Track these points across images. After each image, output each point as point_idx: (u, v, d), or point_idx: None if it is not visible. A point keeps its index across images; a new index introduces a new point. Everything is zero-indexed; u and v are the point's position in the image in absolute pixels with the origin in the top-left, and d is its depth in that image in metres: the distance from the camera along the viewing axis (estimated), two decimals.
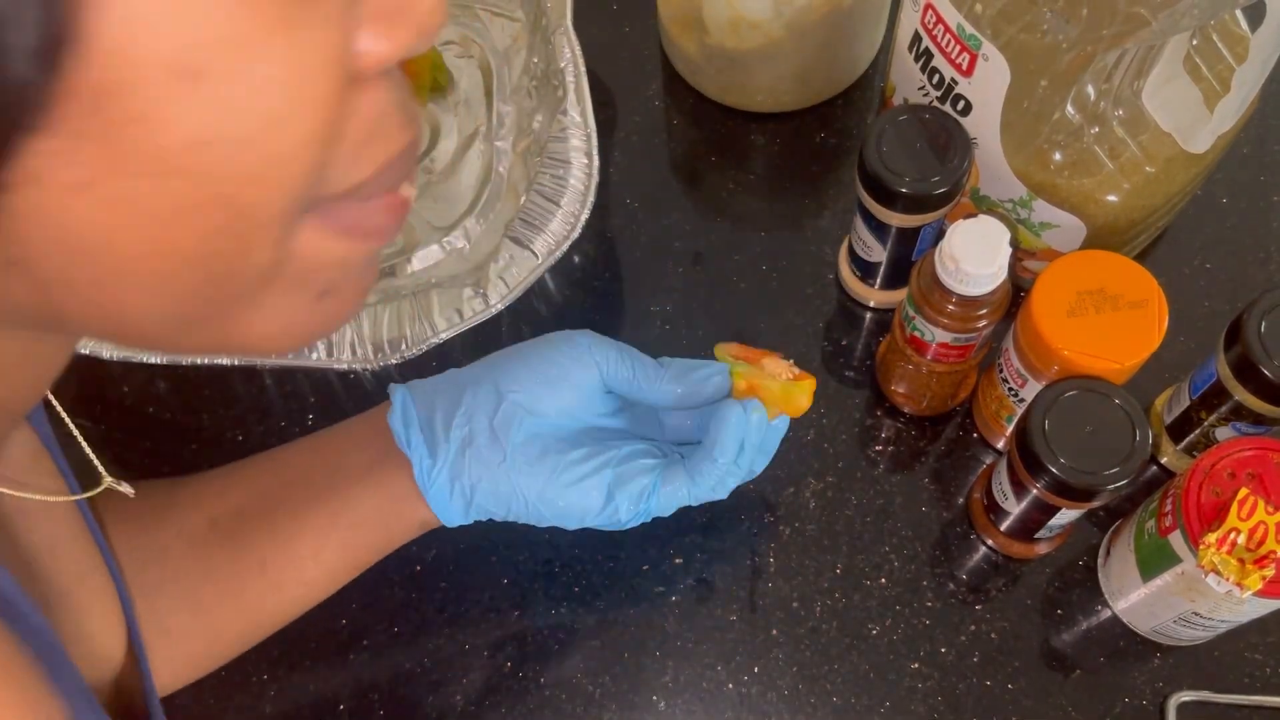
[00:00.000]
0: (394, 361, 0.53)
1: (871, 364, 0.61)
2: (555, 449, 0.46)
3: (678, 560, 0.57)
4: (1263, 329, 0.47)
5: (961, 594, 0.55)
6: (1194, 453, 0.55)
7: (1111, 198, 0.53)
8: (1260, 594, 0.44)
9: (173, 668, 0.47)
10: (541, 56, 0.62)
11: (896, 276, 0.60)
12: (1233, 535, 0.44)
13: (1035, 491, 0.48)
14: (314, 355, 0.54)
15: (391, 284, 0.60)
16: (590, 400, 0.48)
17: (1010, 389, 0.53)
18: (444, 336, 0.54)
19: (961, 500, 0.58)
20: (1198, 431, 0.54)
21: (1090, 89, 0.50)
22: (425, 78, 0.66)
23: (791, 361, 0.49)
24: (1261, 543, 0.44)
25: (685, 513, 0.57)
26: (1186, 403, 0.53)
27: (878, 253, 0.58)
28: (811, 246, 0.65)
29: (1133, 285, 0.49)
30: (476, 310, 0.54)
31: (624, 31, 0.73)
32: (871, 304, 0.63)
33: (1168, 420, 0.56)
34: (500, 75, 0.66)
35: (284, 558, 0.46)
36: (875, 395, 0.60)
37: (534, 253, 0.55)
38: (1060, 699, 0.53)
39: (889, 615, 0.55)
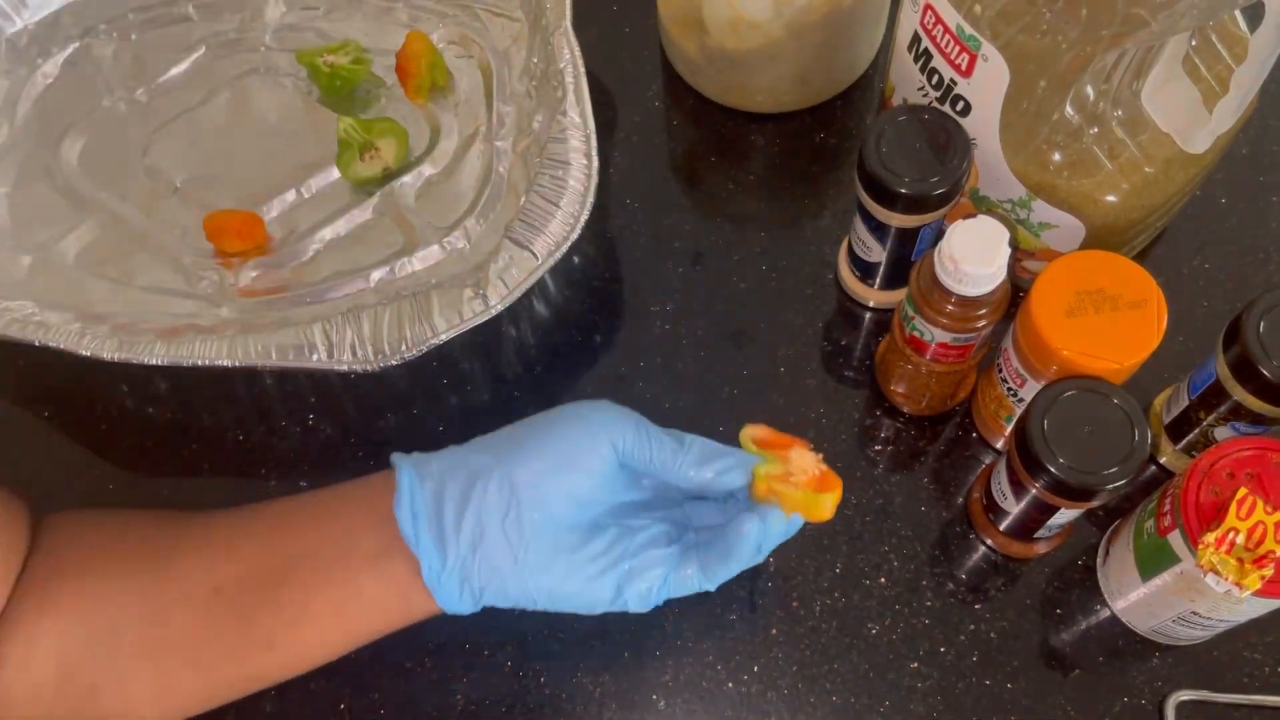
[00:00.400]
0: (394, 362, 0.53)
1: (871, 364, 0.61)
2: (568, 545, 0.46)
3: None
4: (1262, 329, 0.47)
5: (961, 594, 0.55)
6: (1193, 452, 0.55)
7: (1110, 198, 0.53)
8: (1259, 594, 0.44)
9: (163, 712, 0.47)
10: (541, 57, 0.62)
11: (896, 277, 0.60)
12: (1231, 535, 0.44)
13: (1034, 491, 0.48)
14: (315, 356, 0.54)
15: (392, 284, 0.60)
16: (607, 483, 0.47)
17: (1009, 389, 0.53)
18: (444, 338, 0.54)
19: (961, 500, 0.58)
20: (1197, 431, 0.54)
21: (1089, 89, 0.50)
22: (425, 77, 0.66)
23: (820, 456, 0.47)
24: (1260, 542, 0.44)
25: None
26: (1185, 402, 0.54)
27: (877, 253, 0.58)
28: (811, 246, 0.65)
29: (1132, 285, 0.49)
30: (476, 311, 0.54)
31: (624, 31, 0.73)
32: (871, 304, 0.63)
33: (1167, 420, 0.56)
34: (500, 75, 0.66)
35: (291, 637, 0.46)
36: (875, 395, 0.61)
37: (534, 253, 0.55)
38: (1059, 698, 0.53)
39: (888, 615, 0.55)
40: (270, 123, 0.68)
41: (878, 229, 0.56)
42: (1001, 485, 0.52)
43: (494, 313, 0.54)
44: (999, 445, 0.59)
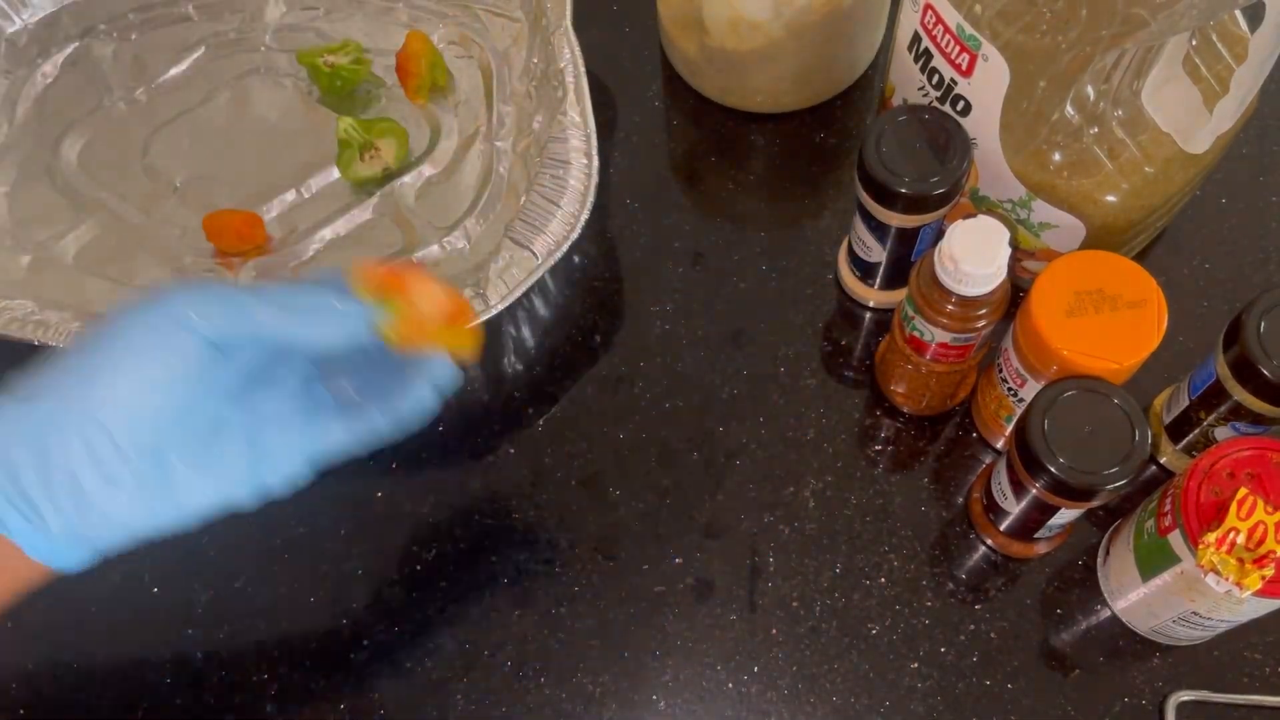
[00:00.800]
0: None
1: (871, 364, 0.61)
2: (189, 463, 0.40)
3: (678, 560, 0.57)
4: (1262, 329, 0.47)
5: (961, 594, 0.55)
6: (1193, 452, 0.55)
7: (1111, 198, 0.53)
8: (1259, 594, 0.44)
9: None
10: (541, 57, 0.62)
11: (896, 276, 0.60)
12: (1232, 535, 0.44)
13: (1034, 491, 0.48)
14: None
15: None
16: (206, 375, 0.39)
17: (1009, 389, 0.53)
18: None
19: (961, 500, 0.58)
20: (1197, 431, 0.54)
21: (1089, 89, 0.50)
22: (425, 77, 0.66)
23: (439, 281, 0.42)
24: (1261, 542, 0.44)
25: (685, 512, 0.58)
26: (1186, 402, 0.54)
27: (877, 253, 0.58)
28: (811, 246, 0.65)
29: (1132, 285, 0.49)
30: (476, 311, 0.54)
31: (624, 31, 0.73)
32: (871, 304, 0.63)
33: (1167, 420, 0.56)
34: (500, 75, 0.66)
35: None
36: (875, 395, 0.61)
37: (534, 253, 0.55)
38: (1059, 698, 0.53)
39: (888, 615, 0.55)
40: (270, 123, 0.68)
41: (878, 229, 0.55)
42: (1002, 485, 0.52)
43: (494, 312, 0.54)
44: (999, 445, 0.59)
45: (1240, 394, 0.49)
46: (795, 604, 0.55)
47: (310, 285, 0.42)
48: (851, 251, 0.61)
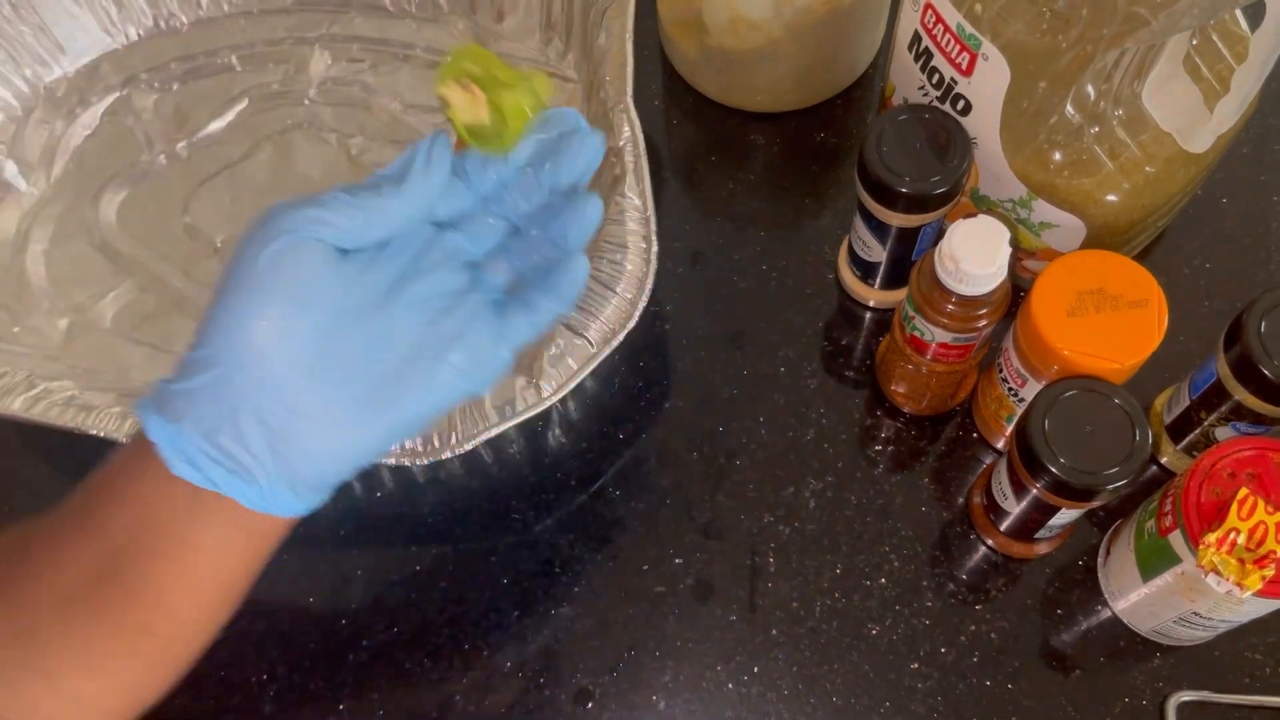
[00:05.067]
0: (445, 456, 0.51)
1: (871, 364, 0.61)
2: (366, 379, 0.38)
3: (678, 560, 0.57)
4: (1263, 329, 0.47)
5: (961, 594, 0.55)
6: (1194, 452, 0.55)
7: (1111, 198, 0.53)
8: (1260, 594, 0.44)
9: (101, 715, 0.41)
10: (598, 127, 0.59)
11: (896, 276, 0.60)
12: (1232, 535, 0.44)
13: (1035, 491, 0.48)
14: None
15: None
16: (355, 275, 0.39)
17: (1010, 389, 0.53)
18: (495, 431, 0.51)
19: (961, 500, 0.58)
20: (1197, 431, 0.54)
21: (1090, 89, 0.50)
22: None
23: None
24: (1261, 542, 0.44)
25: (685, 512, 0.58)
26: (1186, 402, 0.53)
27: (877, 253, 0.58)
28: (811, 246, 0.65)
29: (1133, 285, 0.49)
30: (530, 402, 0.51)
31: None
32: (871, 304, 0.63)
33: (1168, 420, 0.56)
34: None
35: (162, 616, 0.41)
36: (875, 395, 0.61)
37: (589, 341, 0.52)
38: (1060, 699, 0.53)
39: (889, 615, 0.55)
40: (314, 180, 0.66)
41: (878, 229, 0.55)
42: (1002, 485, 0.52)
43: (547, 404, 0.51)
44: (1000, 445, 0.59)
45: (1241, 394, 0.49)
46: (795, 604, 0.55)
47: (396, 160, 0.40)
48: (852, 251, 0.61)
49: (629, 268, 0.53)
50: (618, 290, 0.52)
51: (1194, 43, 0.52)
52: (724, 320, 0.63)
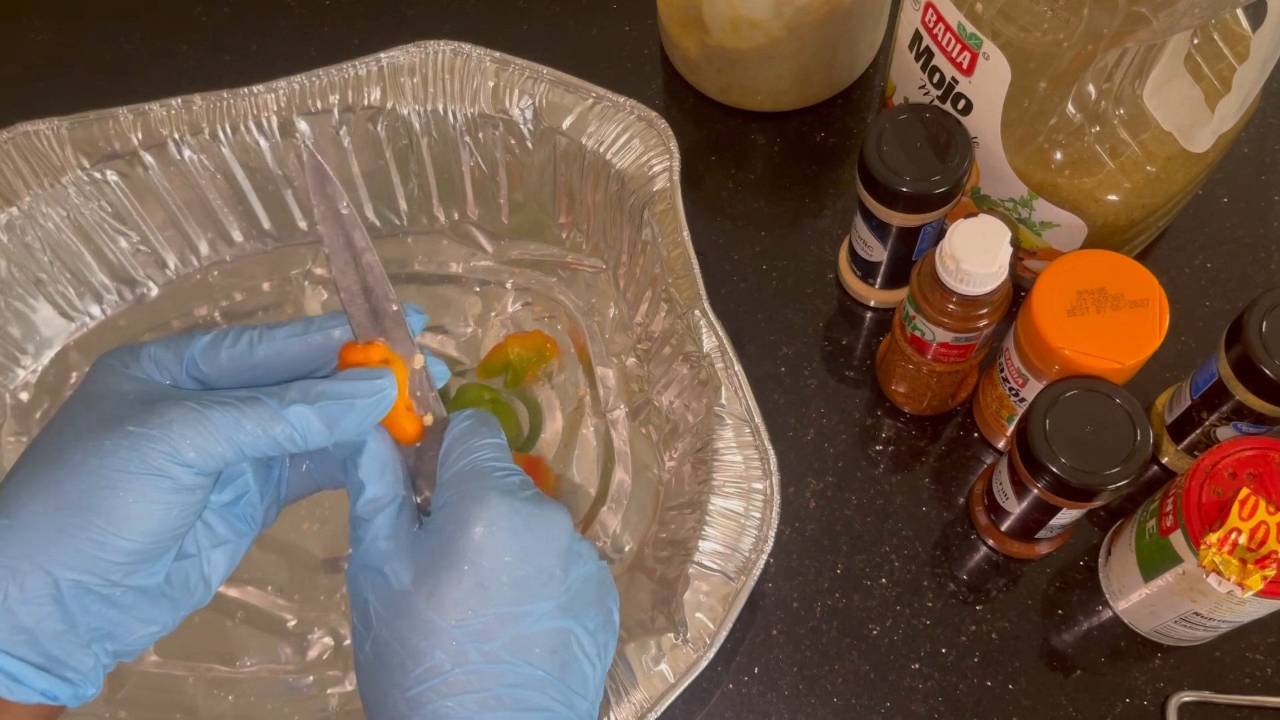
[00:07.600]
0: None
1: (871, 364, 0.61)
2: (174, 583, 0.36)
3: None
4: (1264, 328, 0.47)
5: (962, 594, 0.55)
6: (1195, 452, 0.55)
7: (1112, 197, 0.53)
8: (1261, 594, 0.44)
9: None
10: (648, 318, 0.56)
11: (897, 276, 0.60)
12: (1234, 535, 0.44)
13: (1036, 491, 0.48)
14: None
15: None
16: (186, 498, 0.34)
17: (1011, 389, 0.53)
18: (672, 698, 0.47)
19: (962, 500, 0.58)
20: (1199, 431, 0.54)
21: (1091, 88, 0.50)
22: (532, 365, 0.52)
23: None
24: (1263, 543, 0.44)
25: None
26: (1187, 402, 0.53)
27: (878, 252, 0.58)
28: (811, 246, 0.65)
29: (1134, 284, 0.49)
30: (689, 661, 0.47)
31: (624, 30, 0.73)
32: (872, 303, 0.63)
33: (1169, 420, 0.56)
34: (591, 333, 0.59)
35: None
36: (875, 395, 0.60)
37: (726, 575, 0.48)
38: (1060, 699, 0.53)
39: (889, 615, 0.55)
40: None
41: (879, 228, 0.55)
42: (1003, 485, 0.52)
43: (710, 657, 0.48)
44: (1000, 445, 0.58)
45: (1242, 394, 0.49)
46: (796, 604, 0.55)
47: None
48: (852, 251, 0.61)
49: (755, 485, 0.50)
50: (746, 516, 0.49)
51: (1195, 42, 0.52)
52: (724, 320, 0.63)
